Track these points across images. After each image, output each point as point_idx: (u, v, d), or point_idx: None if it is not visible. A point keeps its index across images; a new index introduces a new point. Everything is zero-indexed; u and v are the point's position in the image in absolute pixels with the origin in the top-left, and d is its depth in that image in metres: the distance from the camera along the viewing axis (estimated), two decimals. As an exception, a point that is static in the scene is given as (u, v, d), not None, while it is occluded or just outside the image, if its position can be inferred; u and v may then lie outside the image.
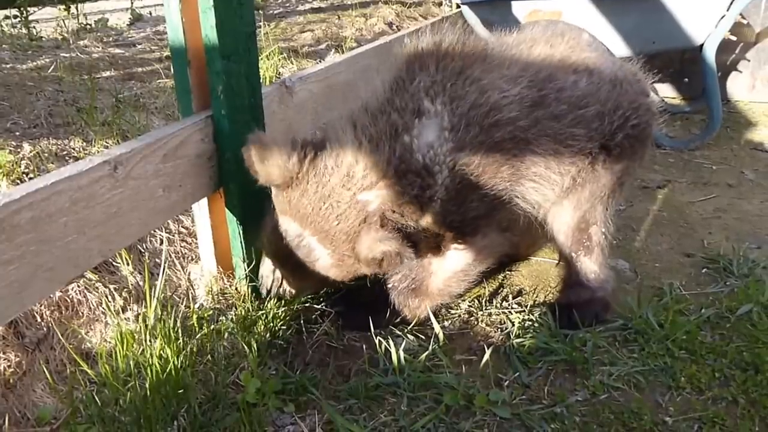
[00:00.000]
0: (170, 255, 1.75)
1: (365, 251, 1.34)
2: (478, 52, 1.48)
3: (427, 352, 1.52)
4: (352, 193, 1.37)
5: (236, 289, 1.64)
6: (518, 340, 1.59)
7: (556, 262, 1.90)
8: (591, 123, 1.51)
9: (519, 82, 1.45)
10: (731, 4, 2.95)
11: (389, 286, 1.63)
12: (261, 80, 1.63)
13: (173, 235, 1.82)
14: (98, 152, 1.89)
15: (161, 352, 1.31)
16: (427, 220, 1.45)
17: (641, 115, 1.58)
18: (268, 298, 1.57)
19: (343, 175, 1.37)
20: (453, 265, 1.60)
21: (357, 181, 1.37)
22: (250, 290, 1.61)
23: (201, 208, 1.61)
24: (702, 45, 3.05)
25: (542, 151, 1.47)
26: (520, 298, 1.84)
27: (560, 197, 1.61)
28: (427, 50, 1.44)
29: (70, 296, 1.49)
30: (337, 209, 1.37)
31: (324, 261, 1.43)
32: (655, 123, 1.67)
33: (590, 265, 1.69)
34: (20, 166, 1.70)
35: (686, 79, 3.99)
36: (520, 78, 1.46)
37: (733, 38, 3.42)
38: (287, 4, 5.21)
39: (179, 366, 1.32)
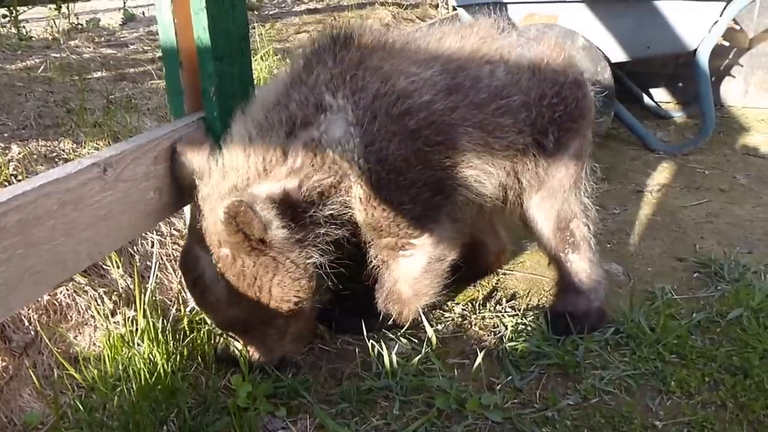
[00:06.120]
0: (161, 258, 1.74)
1: (216, 219, 1.23)
2: (377, 42, 1.41)
3: (419, 356, 1.51)
4: (231, 184, 1.28)
5: (228, 292, 1.63)
6: (511, 344, 1.59)
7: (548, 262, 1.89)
8: (518, 113, 1.45)
9: (430, 67, 1.38)
10: (724, 9, 2.97)
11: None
12: (255, 81, 1.63)
13: (165, 238, 1.81)
14: (88, 154, 1.88)
15: (150, 355, 1.30)
16: (353, 222, 1.38)
17: (567, 95, 1.51)
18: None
19: (225, 170, 1.30)
20: (410, 270, 1.53)
21: (241, 172, 1.29)
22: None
23: (192, 211, 1.60)
24: (695, 50, 3.07)
25: (471, 140, 1.41)
26: (513, 301, 1.84)
27: (528, 198, 1.56)
28: (322, 44, 1.39)
29: (59, 300, 1.47)
30: (210, 203, 1.28)
31: (209, 271, 1.29)
32: (588, 88, 1.59)
33: (580, 263, 1.66)
34: (8, 168, 1.68)
35: (680, 84, 4.02)
36: (431, 64, 1.39)
37: (726, 44, 3.44)
38: (283, 5, 5.20)
39: (169, 370, 1.31)
